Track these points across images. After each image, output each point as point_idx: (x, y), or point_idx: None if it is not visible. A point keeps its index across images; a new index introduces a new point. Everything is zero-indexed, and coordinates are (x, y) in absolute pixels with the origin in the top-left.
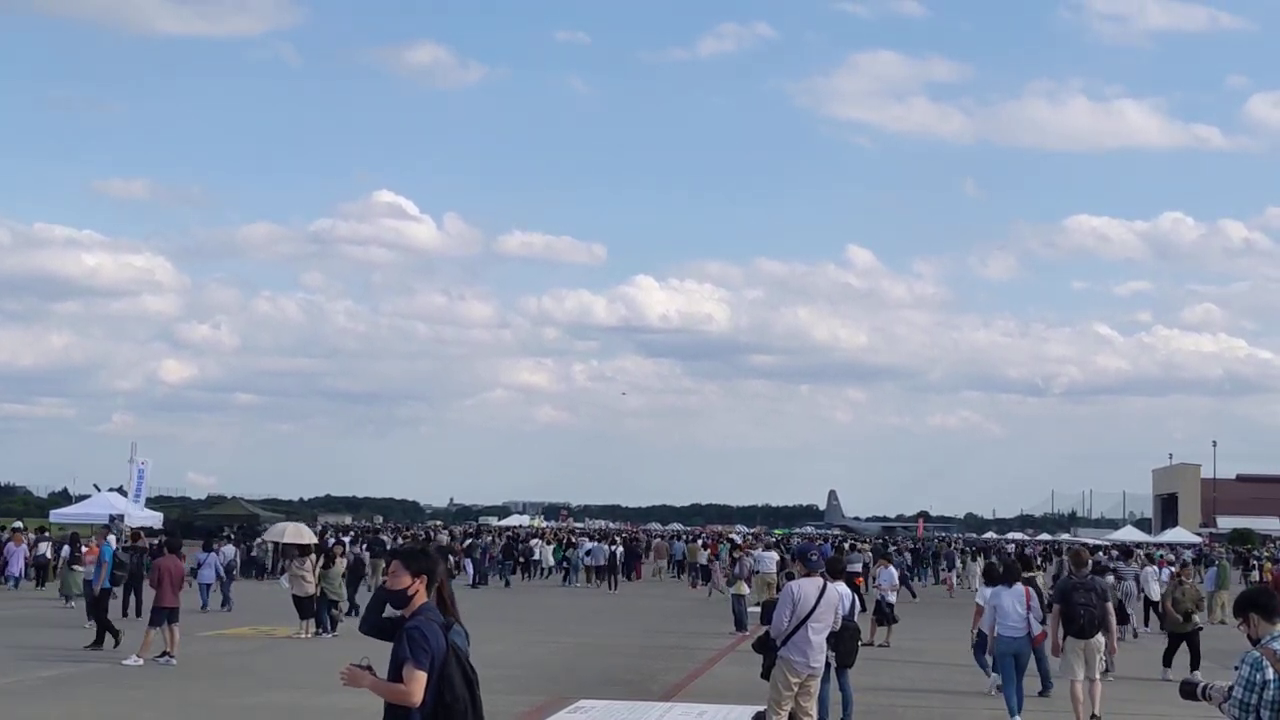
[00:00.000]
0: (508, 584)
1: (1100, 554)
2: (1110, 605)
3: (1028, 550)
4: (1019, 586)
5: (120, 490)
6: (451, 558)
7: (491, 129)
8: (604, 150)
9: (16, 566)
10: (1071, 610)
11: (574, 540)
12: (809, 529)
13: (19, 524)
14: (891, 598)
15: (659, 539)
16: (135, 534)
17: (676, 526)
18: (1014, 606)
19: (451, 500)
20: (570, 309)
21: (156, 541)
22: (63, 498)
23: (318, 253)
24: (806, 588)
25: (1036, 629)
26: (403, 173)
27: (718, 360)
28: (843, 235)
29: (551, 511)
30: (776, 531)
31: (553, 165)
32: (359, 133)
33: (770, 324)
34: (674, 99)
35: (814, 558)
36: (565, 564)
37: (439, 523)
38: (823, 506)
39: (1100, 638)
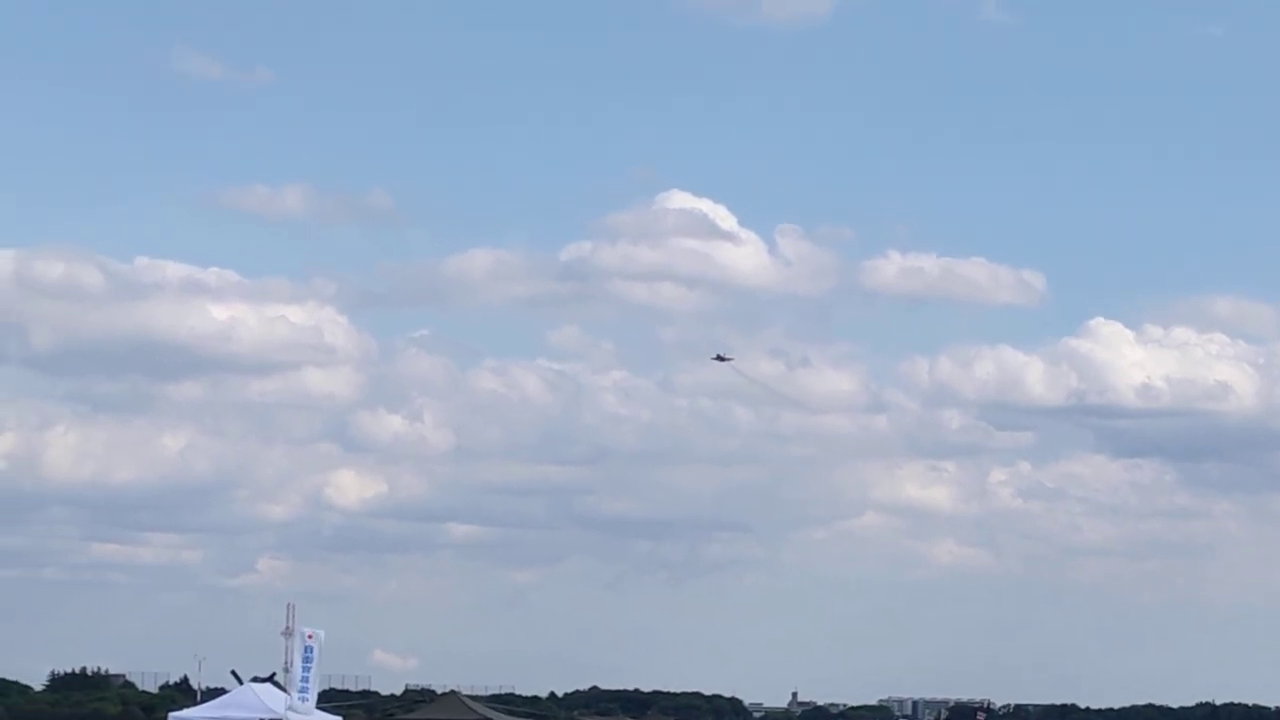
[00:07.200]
0: None
1: None
2: None
3: None
4: None
5: (273, 680)
6: None
7: (852, 88)
8: (1036, 112)
9: None
10: None
11: None
12: None
13: None
14: None
15: None
16: None
17: None
18: None
19: (795, 697)
20: (985, 378)
21: None
22: (182, 693)
23: (572, 295)
24: None
25: None
26: (707, 165)
27: (1239, 462)
28: None
29: (961, 715)
30: None
31: (953, 142)
32: (636, 103)
33: None
34: (1149, 21)
35: None
36: None
37: None
38: None
39: None
